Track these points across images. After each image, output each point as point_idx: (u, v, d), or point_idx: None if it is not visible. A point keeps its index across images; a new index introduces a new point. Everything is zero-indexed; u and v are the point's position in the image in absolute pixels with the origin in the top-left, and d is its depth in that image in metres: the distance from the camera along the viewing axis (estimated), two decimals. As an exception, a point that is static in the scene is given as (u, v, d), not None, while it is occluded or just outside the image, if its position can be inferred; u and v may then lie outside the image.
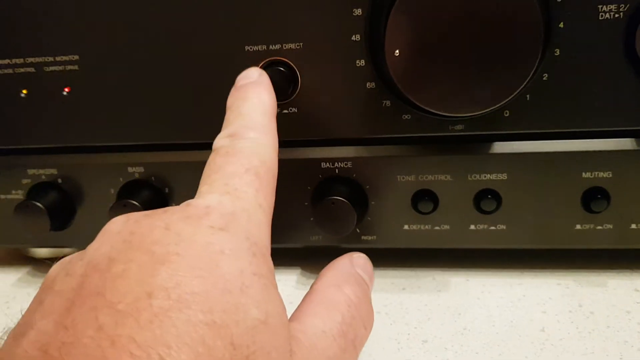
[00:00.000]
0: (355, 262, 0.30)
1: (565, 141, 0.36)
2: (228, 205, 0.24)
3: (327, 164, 0.38)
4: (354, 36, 0.35)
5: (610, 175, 0.36)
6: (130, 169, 0.40)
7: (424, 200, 0.37)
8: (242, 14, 0.35)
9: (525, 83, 0.32)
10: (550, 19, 0.33)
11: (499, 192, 0.37)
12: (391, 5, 0.31)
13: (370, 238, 0.39)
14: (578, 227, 0.37)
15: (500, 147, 0.36)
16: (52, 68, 0.39)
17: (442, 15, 0.30)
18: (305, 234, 0.40)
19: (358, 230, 0.39)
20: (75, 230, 0.43)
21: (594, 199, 0.36)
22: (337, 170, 0.38)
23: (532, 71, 0.31)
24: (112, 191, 0.41)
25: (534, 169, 0.36)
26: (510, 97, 0.32)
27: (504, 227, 0.38)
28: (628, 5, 0.32)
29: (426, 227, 0.38)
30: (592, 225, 0.37)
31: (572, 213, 0.37)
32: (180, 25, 0.36)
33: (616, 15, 0.33)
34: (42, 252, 0.47)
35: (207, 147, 0.39)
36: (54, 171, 0.41)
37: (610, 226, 0.37)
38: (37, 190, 0.41)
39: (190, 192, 0.40)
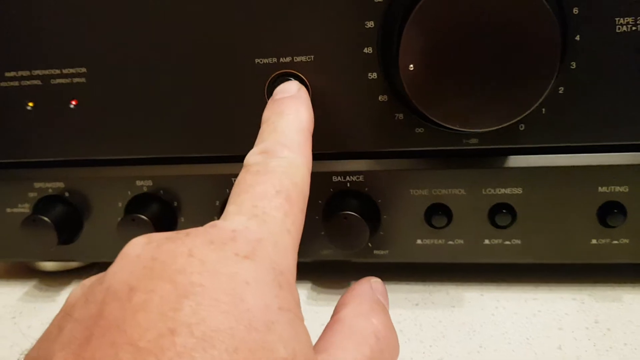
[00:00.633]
0: (374, 288, 0.29)
1: (581, 155, 0.35)
2: (255, 231, 0.23)
3: (339, 178, 0.38)
4: (366, 49, 0.34)
5: (627, 190, 0.35)
6: (138, 183, 0.40)
7: (438, 214, 0.37)
8: (252, 26, 0.35)
9: (542, 98, 0.31)
10: (566, 32, 0.32)
11: (513, 206, 0.36)
12: (405, 19, 0.30)
13: (382, 252, 0.39)
14: (594, 241, 0.37)
15: (515, 161, 0.36)
16: (58, 80, 0.38)
17: (457, 29, 0.30)
18: (316, 248, 0.39)
19: (370, 244, 0.39)
20: (83, 244, 0.42)
21: (610, 213, 0.36)
22: (348, 184, 0.38)
23: (550, 85, 0.31)
24: (120, 205, 0.40)
25: (550, 183, 0.36)
26: (527, 112, 0.31)
27: (519, 242, 0.37)
28: (646, 18, 0.32)
29: (440, 241, 0.38)
30: (608, 240, 0.37)
31: (587, 227, 0.36)
32: (189, 38, 0.36)
33: (633, 28, 0.32)
34: (49, 265, 0.47)
35: (216, 160, 0.39)
36: (61, 184, 0.41)
37: (627, 241, 0.36)
38: (44, 203, 0.41)
39: (199, 205, 0.40)
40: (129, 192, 0.40)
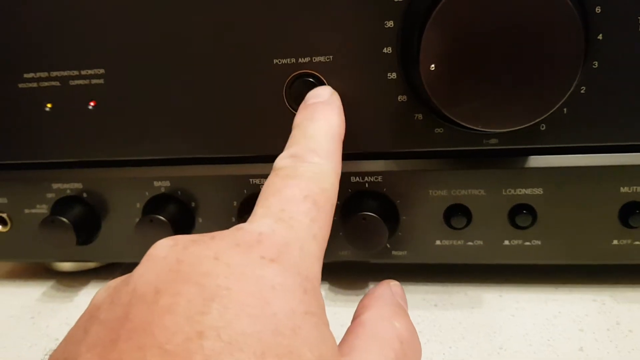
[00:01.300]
0: (394, 292, 0.29)
1: (603, 155, 0.35)
2: (281, 234, 0.23)
3: (357, 178, 0.38)
4: (385, 49, 0.34)
5: (649, 190, 0.35)
6: (156, 183, 0.40)
7: (457, 215, 0.37)
8: (270, 26, 0.35)
9: (565, 98, 0.31)
10: (589, 31, 0.32)
11: (534, 207, 0.36)
12: (426, 19, 0.30)
13: (401, 253, 0.39)
14: (615, 242, 0.36)
15: (536, 161, 0.36)
16: (77, 82, 0.38)
17: (479, 28, 0.30)
18: (334, 249, 0.39)
19: (388, 245, 0.38)
20: (101, 245, 0.42)
21: (632, 213, 0.35)
22: (367, 184, 0.38)
23: (572, 86, 0.30)
24: (138, 205, 0.40)
25: (571, 183, 0.35)
26: (549, 113, 0.31)
27: (539, 243, 0.37)
28: (670, 17, 0.31)
29: (459, 242, 0.38)
30: (629, 241, 0.36)
31: (609, 228, 0.36)
32: (208, 39, 0.36)
33: (656, 27, 0.32)
34: (67, 266, 0.47)
35: (234, 161, 0.39)
36: (79, 185, 0.41)
37: (649, 241, 0.36)
38: (62, 204, 0.41)
39: (216, 206, 0.40)
40: (147, 193, 0.40)
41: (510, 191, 0.36)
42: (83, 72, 0.38)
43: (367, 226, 0.36)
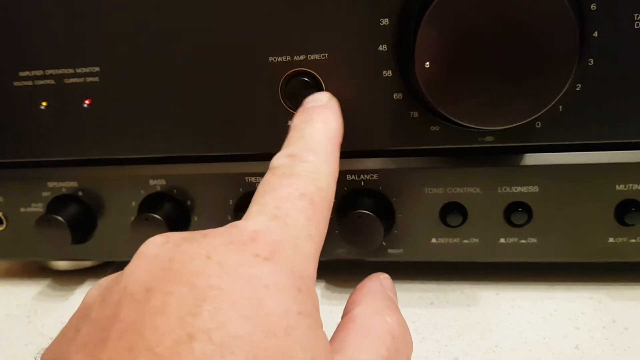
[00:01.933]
0: (384, 285, 0.29)
1: (599, 153, 0.35)
2: (276, 232, 0.23)
3: (353, 176, 0.37)
4: (380, 46, 0.34)
5: (645, 188, 0.35)
6: (151, 182, 0.40)
7: (453, 213, 0.37)
8: (266, 24, 0.35)
9: (560, 95, 0.31)
10: (584, 29, 0.32)
11: (530, 204, 0.36)
12: (421, 17, 0.30)
13: (397, 251, 0.39)
14: (611, 240, 0.36)
15: (532, 159, 0.36)
16: (72, 80, 0.38)
17: (474, 26, 0.29)
18: (330, 247, 0.39)
19: (384, 243, 0.38)
20: (96, 243, 0.42)
21: (628, 211, 0.35)
22: (362, 182, 0.37)
23: (567, 83, 0.30)
24: (134, 204, 0.40)
25: (566, 181, 0.35)
26: (544, 110, 0.31)
27: (535, 241, 0.37)
28: (665, 14, 0.31)
29: (455, 240, 0.38)
30: (625, 239, 0.36)
31: (605, 226, 0.36)
32: (203, 37, 0.36)
33: (652, 24, 0.32)
34: (63, 264, 0.47)
35: (230, 159, 0.39)
36: (74, 184, 0.41)
37: (645, 239, 0.36)
38: (58, 203, 0.41)
39: (212, 204, 0.40)
40: (143, 191, 0.40)
41: (505, 189, 0.36)
42: (78, 71, 0.38)
43: (363, 224, 0.36)
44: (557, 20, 0.29)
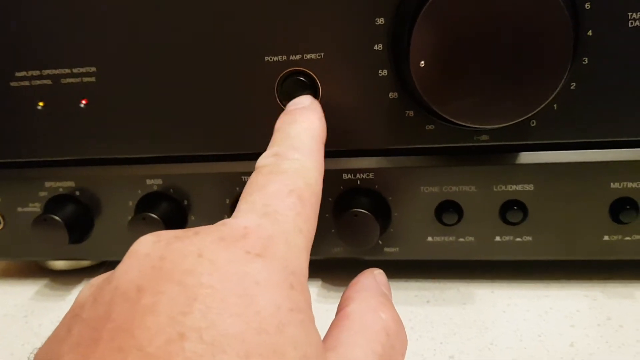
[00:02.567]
0: (378, 280, 0.29)
1: (593, 151, 0.35)
2: (267, 228, 0.23)
3: (349, 175, 0.38)
4: (376, 46, 0.34)
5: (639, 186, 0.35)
6: (148, 181, 0.40)
7: (448, 211, 0.37)
8: (261, 24, 0.35)
9: (554, 94, 0.31)
10: (578, 28, 0.32)
11: (525, 203, 0.36)
12: (416, 16, 0.30)
13: (393, 250, 0.39)
14: (606, 238, 0.36)
15: (527, 158, 0.36)
16: (69, 80, 0.38)
17: (468, 25, 0.30)
18: (326, 246, 0.39)
19: (381, 242, 0.38)
20: (94, 243, 0.42)
21: (622, 209, 0.35)
22: (358, 181, 0.38)
23: (562, 81, 0.30)
24: (131, 203, 0.41)
25: (561, 179, 0.36)
26: (538, 109, 0.31)
27: (530, 239, 0.37)
28: (659, 13, 0.31)
29: (450, 238, 0.38)
30: (620, 236, 0.36)
31: (600, 224, 0.36)
32: (199, 36, 0.36)
33: (646, 23, 0.32)
34: (60, 264, 0.47)
35: (227, 158, 0.39)
36: (71, 184, 0.41)
37: (639, 237, 0.36)
38: (55, 203, 0.41)
39: (209, 204, 0.40)
40: (139, 191, 0.40)
41: (501, 187, 0.36)
42: (75, 71, 0.38)
43: (359, 223, 0.36)
44: (551, 19, 0.29)
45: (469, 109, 0.31)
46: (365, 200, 0.37)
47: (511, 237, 0.37)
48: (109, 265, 0.47)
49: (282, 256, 0.22)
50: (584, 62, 0.33)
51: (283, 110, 0.35)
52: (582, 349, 0.33)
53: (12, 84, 0.39)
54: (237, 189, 0.39)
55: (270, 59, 0.35)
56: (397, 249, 0.39)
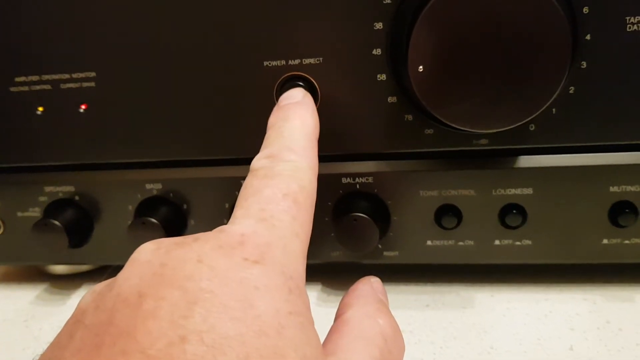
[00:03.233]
0: (375, 288, 0.29)
1: (592, 155, 0.35)
2: (263, 235, 0.23)
3: (348, 179, 0.38)
4: (375, 50, 0.34)
5: (638, 189, 0.35)
6: (148, 186, 0.40)
7: (448, 215, 0.37)
8: (260, 29, 0.35)
9: (553, 98, 0.31)
10: (577, 32, 0.32)
11: (524, 206, 0.36)
12: (414, 20, 0.30)
13: (392, 254, 0.39)
14: (605, 241, 0.37)
15: (526, 161, 0.36)
16: (68, 85, 0.38)
17: (467, 29, 0.30)
18: (325, 250, 0.39)
19: (380, 246, 0.38)
20: (93, 247, 0.42)
21: (621, 213, 0.35)
22: (358, 185, 0.38)
23: (560, 86, 0.31)
24: (130, 208, 0.41)
25: (560, 183, 0.36)
26: (537, 113, 0.31)
27: (530, 242, 0.37)
28: (657, 17, 0.32)
29: (450, 242, 0.38)
30: (619, 240, 0.36)
31: (599, 227, 0.36)
32: (198, 41, 0.36)
33: (644, 27, 0.32)
34: (60, 269, 0.47)
35: (226, 163, 0.39)
36: (71, 188, 0.41)
37: (638, 240, 0.36)
38: (55, 207, 0.41)
39: (208, 208, 0.40)
40: (139, 196, 0.40)
41: (500, 191, 0.36)
42: (74, 76, 0.38)
43: (358, 227, 0.36)
44: (549, 23, 0.29)
45: (468, 113, 0.31)
46: (365, 204, 0.37)
47: (510, 241, 0.37)
48: (109, 269, 0.48)
49: (280, 262, 0.22)
50: (582, 66, 0.33)
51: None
52: (581, 352, 0.33)
53: (12, 89, 0.39)
54: (236, 193, 0.38)
55: (269, 63, 0.36)
56: (397, 253, 0.39)
